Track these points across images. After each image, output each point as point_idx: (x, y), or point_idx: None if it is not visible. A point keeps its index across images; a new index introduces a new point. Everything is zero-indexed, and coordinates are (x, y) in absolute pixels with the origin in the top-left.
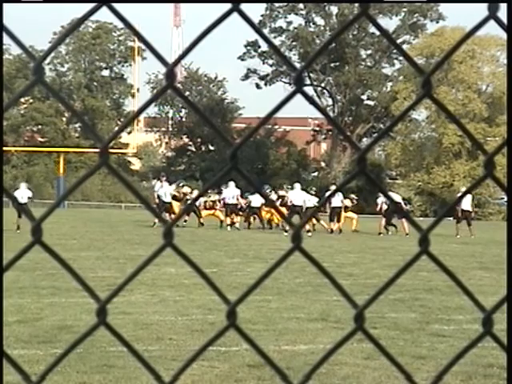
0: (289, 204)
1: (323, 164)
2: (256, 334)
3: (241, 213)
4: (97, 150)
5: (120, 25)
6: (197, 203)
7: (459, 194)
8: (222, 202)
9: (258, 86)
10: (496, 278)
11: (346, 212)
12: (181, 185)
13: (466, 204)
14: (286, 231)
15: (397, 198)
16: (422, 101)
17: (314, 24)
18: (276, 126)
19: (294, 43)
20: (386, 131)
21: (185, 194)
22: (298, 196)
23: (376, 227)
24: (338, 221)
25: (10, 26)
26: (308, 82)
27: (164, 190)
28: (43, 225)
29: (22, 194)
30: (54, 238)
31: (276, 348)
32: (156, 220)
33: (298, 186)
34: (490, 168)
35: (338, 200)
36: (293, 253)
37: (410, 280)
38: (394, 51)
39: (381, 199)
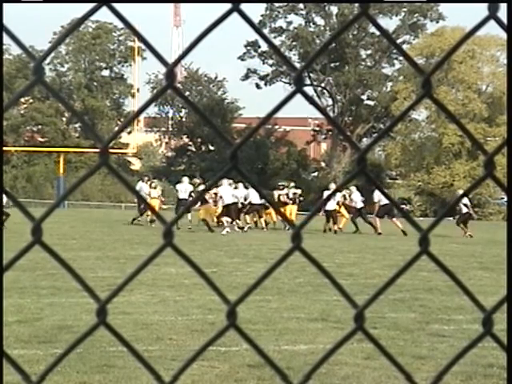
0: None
1: (323, 164)
2: (256, 334)
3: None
4: (97, 150)
5: (120, 25)
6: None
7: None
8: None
9: (257, 86)
10: (496, 278)
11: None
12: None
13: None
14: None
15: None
16: (421, 101)
17: (314, 24)
18: (276, 126)
19: (294, 43)
20: (386, 131)
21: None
22: (227, 193)
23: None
24: (335, 222)
25: (10, 26)
26: (308, 82)
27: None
28: (43, 225)
29: None
30: (54, 237)
31: (276, 348)
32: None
33: (225, 181)
34: (490, 168)
35: (332, 203)
36: (293, 253)
37: (409, 280)
38: (394, 51)
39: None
